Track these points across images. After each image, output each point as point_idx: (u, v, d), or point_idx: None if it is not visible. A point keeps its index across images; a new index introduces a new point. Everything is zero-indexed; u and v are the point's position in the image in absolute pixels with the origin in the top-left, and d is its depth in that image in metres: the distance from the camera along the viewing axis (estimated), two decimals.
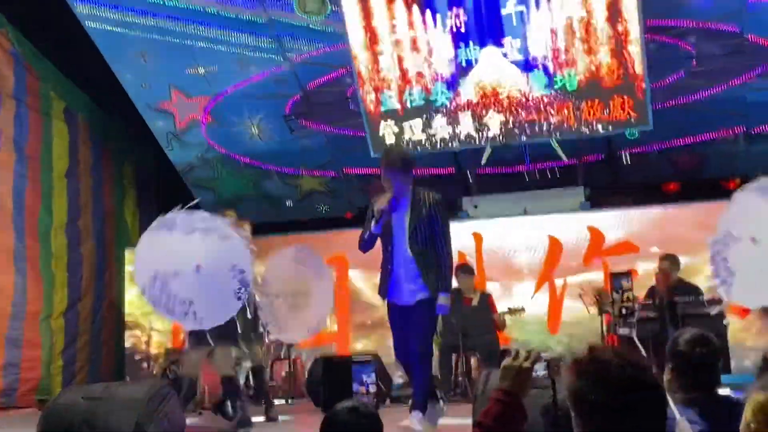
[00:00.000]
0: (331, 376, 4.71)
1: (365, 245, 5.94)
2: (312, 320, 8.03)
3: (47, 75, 10.41)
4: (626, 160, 10.77)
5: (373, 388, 3.97)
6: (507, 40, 9.73)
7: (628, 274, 8.09)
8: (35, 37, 10.06)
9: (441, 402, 5.94)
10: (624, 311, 7.71)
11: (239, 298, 6.00)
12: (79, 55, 10.44)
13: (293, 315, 7.63)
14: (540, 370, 2.55)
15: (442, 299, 5.74)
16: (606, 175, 11.03)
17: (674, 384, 3.32)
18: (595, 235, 9.94)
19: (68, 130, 10.79)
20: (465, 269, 9.15)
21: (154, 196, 12.44)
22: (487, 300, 9.18)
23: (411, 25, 9.94)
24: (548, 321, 9.79)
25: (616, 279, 7.96)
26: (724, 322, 7.08)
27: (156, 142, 11.66)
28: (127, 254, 11.13)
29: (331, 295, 8.49)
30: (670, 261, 8.54)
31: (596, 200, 10.48)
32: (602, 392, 2.09)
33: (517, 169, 10.96)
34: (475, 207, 10.68)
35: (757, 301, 5.99)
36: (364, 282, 10.32)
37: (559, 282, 9.91)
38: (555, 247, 10.01)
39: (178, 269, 5.85)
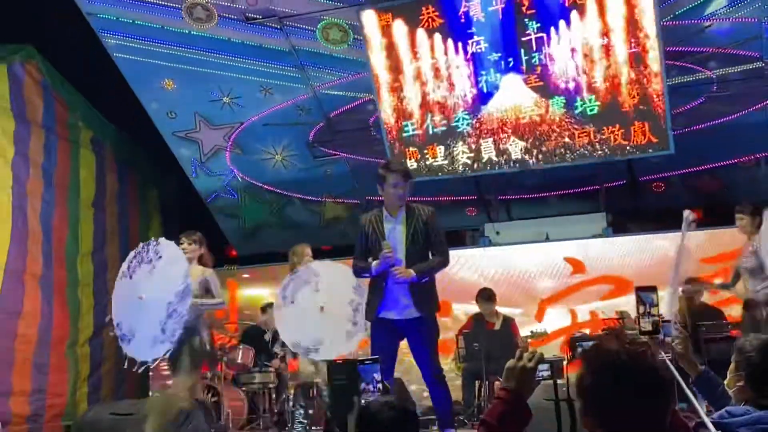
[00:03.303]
0: (337, 377, 4.78)
1: (361, 276, 6.06)
2: None
3: (75, 104, 10.60)
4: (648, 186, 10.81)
5: (380, 387, 4.08)
6: (527, 67, 9.83)
7: (654, 289, 7.85)
8: (64, 68, 10.25)
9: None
10: (652, 327, 7.47)
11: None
12: (107, 85, 10.65)
13: None
14: (543, 370, 2.60)
15: (414, 273, 5.72)
16: (628, 201, 11.05)
17: (746, 392, 3.31)
18: None
19: (95, 158, 10.96)
20: (485, 295, 9.13)
21: (179, 224, 12.55)
22: (509, 324, 9.19)
23: (432, 53, 10.06)
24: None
25: (642, 293, 7.69)
26: None
27: (181, 170, 11.82)
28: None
29: None
30: (693, 284, 8.50)
31: (618, 226, 10.49)
32: (600, 378, 2.16)
33: (538, 194, 11.01)
34: (497, 233, 10.72)
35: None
36: None
37: (584, 307, 9.94)
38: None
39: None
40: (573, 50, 9.63)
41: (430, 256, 5.87)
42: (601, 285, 9.92)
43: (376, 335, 5.88)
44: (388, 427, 2.83)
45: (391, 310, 5.79)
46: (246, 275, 11.70)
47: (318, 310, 6.91)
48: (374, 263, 5.78)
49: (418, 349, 5.82)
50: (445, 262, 5.93)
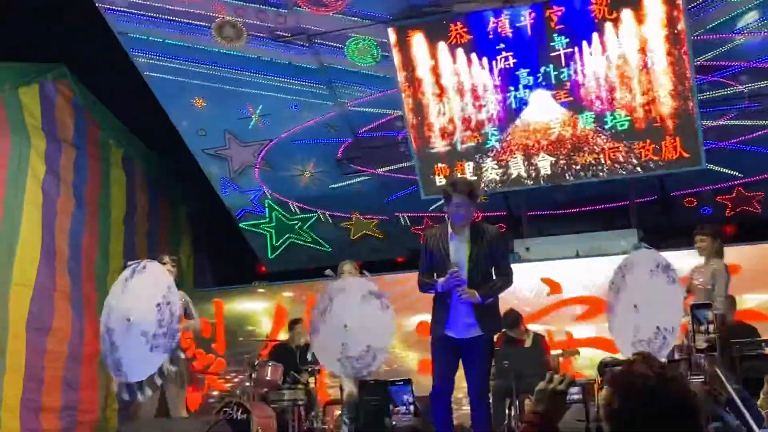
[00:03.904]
0: (368, 398, 4.72)
1: (427, 292, 6.00)
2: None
3: (106, 123, 10.69)
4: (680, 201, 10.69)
5: (411, 408, 4.01)
6: (556, 82, 9.78)
7: (709, 305, 7.36)
8: (95, 86, 10.36)
9: None
10: (707, 344, 7.04)
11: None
12: (137, 104, 10.73)
13: None
14: (574, 393, 2.55)
15: (479, 295, 5.66)
16: (660, 217, 10.93)
17: None
18: None
19: (126, 176, 11.04)
20: (509, 320, 8.96)
21: (209, 241, 12.62)
22: (540, 341, 9.09)
23: (460, 69, 10.04)
24: None
25: (698, 310, 7.22)
26: None
27: (211, 187, 11.86)
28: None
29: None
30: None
31: (650, 242, 10.35)
32: (628, 401, 2.11)
33: (568, 210, 10.92)
34: (527, 249, 10.62)
35: None
36: None
37: None
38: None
39: None
40: (602, 66, 9.57)
41: (493, 275, 5.83)
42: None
43: (439, 353, 5.83)
44: None
45: (454, 328, 5.76)
46: (262, 290, 11.70)
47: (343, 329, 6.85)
48: (440, 280, 5.75)
49: (473, 366, 5.76)
50: (508, 283, 5.88)
